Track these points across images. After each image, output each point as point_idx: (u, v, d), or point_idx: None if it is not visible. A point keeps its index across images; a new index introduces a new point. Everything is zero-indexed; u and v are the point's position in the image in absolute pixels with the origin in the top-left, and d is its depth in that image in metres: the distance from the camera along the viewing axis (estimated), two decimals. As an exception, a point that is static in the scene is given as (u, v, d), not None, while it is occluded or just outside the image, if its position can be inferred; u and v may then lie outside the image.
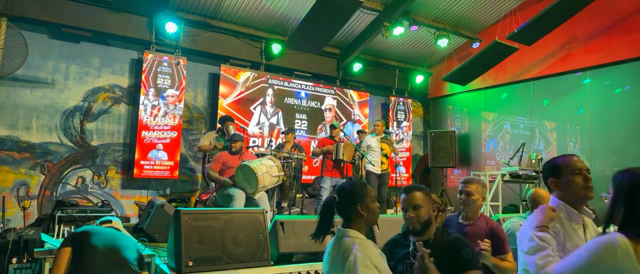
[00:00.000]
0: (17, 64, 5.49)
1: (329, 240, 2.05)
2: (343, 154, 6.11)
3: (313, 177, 7.85)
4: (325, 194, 6.18)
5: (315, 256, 3.49)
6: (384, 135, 6.84)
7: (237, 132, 5.90)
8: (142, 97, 6.70)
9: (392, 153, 7.01)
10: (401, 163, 9.08)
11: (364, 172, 6.62)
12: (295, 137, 6.91)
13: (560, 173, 1.95)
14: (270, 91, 7.92)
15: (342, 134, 7.12)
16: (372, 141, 6.74)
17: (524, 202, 7.00)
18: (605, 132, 6.85)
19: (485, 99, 8.94)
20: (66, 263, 2.50)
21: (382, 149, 6.76)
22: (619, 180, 1.63)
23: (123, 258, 2.61)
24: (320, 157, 6.59)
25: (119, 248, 2.64)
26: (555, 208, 1.90)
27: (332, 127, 6.54)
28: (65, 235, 3.59)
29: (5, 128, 6.00)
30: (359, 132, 7.85)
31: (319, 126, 8.44)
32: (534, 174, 6.84)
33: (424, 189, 2.14)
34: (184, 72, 7.06)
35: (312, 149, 6.67)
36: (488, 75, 8.11)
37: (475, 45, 8.51)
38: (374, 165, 6.54)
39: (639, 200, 1.55)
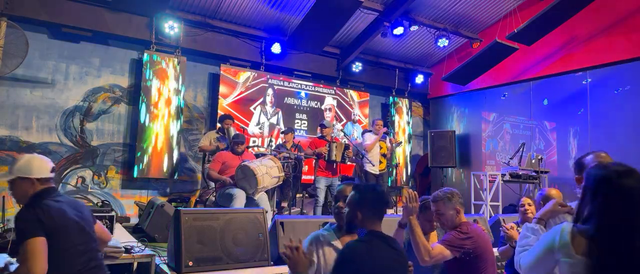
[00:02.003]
0: (17, 62, 5.47)
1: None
2: (335, 155, 6.09)
3: (313, 177, 7.83)
4: (321, 195, 6.17)
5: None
6: (384, 136, 6.79)
7: (239, 133, 5.90)
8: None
9: (390, 150, 6.97)
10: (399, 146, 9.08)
11: (360, 173, 6.61)
12: (294, 137, 6.90)
13: (582, 171, 2.00)
14: (270, 91, 7.92)
15: (341, 134, 7.09)
16: (371, 139, 6.68)
17: (524, 202, 6.99)
18: (605, 132, 6.84)
19: (485, 99, 8.94)
20: (44, 253, 2.03)
21: (380, 148, 6.74)
22: (587, 175, 1.64)
23: (87, 223, 2.29)
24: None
25: (82, 211, 2.31)
26: None
27: (322, 126, 6.52)
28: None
29: (5, 128, 6.00)
30: (363, 133, 7.72)
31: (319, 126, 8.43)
32: (534, 174, 6.84)
33: (351, 188, 2.06)
34: (184, 72, 7.06)
35: (305, 150, 6.62)
36: (488, 75, 8.11)
37: (475, 45, 8.51)
38: (373, 165, 6.50)
39: (600, 195, 1.54)
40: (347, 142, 6.51)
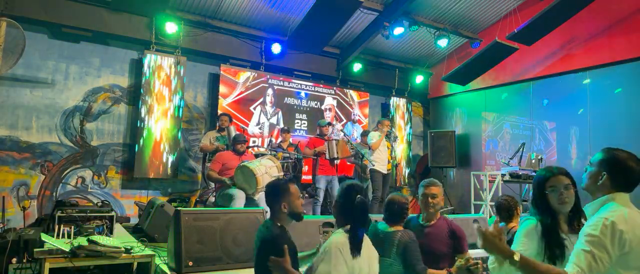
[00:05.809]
0: (14, 59, 5.45)
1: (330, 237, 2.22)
2: (337, 152, 6.09)
3: (311, 176, 7.83)
4: (321, 194, 6.17)
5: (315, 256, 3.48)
6: (387, 134, 6.74)
7: (239, 133, 5.91)
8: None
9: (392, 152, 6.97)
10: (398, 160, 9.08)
11: (361, 173, 6.56)
12: (292, 138, 6.90)
13: None
14: (270, 91, 7.92)
15: (341, 134, 7.07)
16: (376, 137, 6.61)
17: (525, 202, 7.00)
18: (605, 133, 6.84)
19: (485, 99, 8.94)
20: None
21: (387, 147, 6.70)
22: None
23: None
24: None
25: None
26: None
27: (319, 125, 6.51)
28: (65, 235, 3.59)
29: (5, 128, 6.00)
30: (363, 134, 7.65)
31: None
32: (534, 174, 6.83)
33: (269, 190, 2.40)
34: (184, 72, 7.06)
35: (304, 150, 6.58)
36: (488, 75, 8.10)
37: (475, 45, 8.50)
38: (377, 163, 6.43)
39: (542, 190, 2.06)
40: (346, 139, 6.51)
